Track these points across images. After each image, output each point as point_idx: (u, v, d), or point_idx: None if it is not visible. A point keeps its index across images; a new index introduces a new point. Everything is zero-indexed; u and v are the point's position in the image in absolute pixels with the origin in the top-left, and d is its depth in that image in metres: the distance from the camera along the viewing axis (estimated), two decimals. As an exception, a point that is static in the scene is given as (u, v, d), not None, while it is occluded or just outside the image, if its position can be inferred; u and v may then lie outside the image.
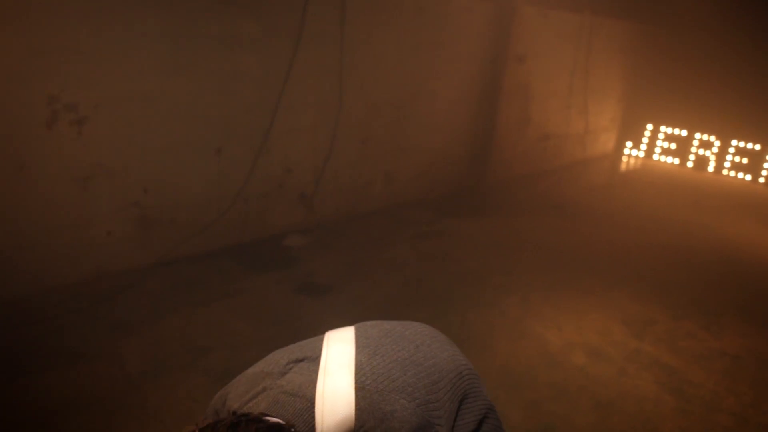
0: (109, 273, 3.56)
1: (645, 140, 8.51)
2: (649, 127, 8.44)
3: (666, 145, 8.37)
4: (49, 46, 3.00)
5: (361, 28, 4.44)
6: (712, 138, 8.00)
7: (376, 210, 5.10)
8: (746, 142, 7.77)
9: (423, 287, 3.84)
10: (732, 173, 7.92)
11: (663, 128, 8.35)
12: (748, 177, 7.80)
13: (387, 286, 3.80)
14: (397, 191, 5.27)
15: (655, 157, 8.46)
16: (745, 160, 7.82)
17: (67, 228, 3.35)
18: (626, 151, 8.63)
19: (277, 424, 1.07)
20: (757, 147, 7.68)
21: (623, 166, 8.25)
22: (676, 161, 8.31)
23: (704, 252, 4.95)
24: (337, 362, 1.27)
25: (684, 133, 8.22)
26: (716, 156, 8.01)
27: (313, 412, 1.17)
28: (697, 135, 8.11)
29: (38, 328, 2.97)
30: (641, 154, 8.56)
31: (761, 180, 7.68)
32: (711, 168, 8.06)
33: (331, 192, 4.68)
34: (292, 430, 1.10)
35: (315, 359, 1.30)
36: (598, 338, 3.40)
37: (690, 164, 8.20)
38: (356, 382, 1.21)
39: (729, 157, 7.92)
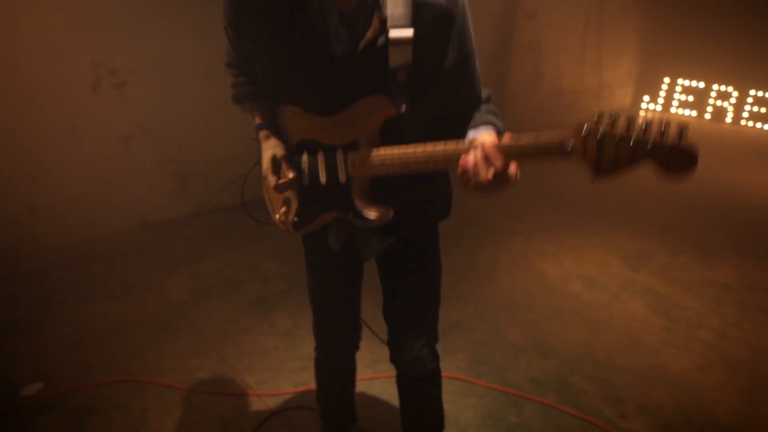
0: (151, 222, 3.98)
1: (662, 94, 8.55)
2: (666, 80, 8.47)
3: (683, 97, 8.39)
4: (91, 15, 3.35)
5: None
6: (730, 89, 8.01)
7: (393, 165, 5.39)
8: (765, 92, 7.76)
9: (435, 231, 4.15)
10: (750, 123, 7.94)
11: (680, 81, 8.37)
12: (767, 127, 7.81)
13: (401, 230, 4.12)
14: (413, 147, 5.54)
15: (673, 110, 8.50)
16: (763, 110, 7.82)
17: (114, 182, 3.76)
18: (643, 105, 8.69)
19: None
20: (776, 96, 7.67)
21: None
22: (694, 113, 8.35)
23: (711, 196, 5.11)
24: None
25: (701, 85, 8.23)
26: (734, 107, 8.02)
27: None
28: (715, 86, 8.12)
29: (96, 268, 3.41)
30: (659, 108, 8.61)
31: (780, 129, 7.70)
32: (729, 119, 8.08)
33: (349, 148, 4.99)
34: None
35: None
36: (596, 270, 3.69)
37: (708, 116, 8.23)
38: None
39: (747, 108, 7.92)
